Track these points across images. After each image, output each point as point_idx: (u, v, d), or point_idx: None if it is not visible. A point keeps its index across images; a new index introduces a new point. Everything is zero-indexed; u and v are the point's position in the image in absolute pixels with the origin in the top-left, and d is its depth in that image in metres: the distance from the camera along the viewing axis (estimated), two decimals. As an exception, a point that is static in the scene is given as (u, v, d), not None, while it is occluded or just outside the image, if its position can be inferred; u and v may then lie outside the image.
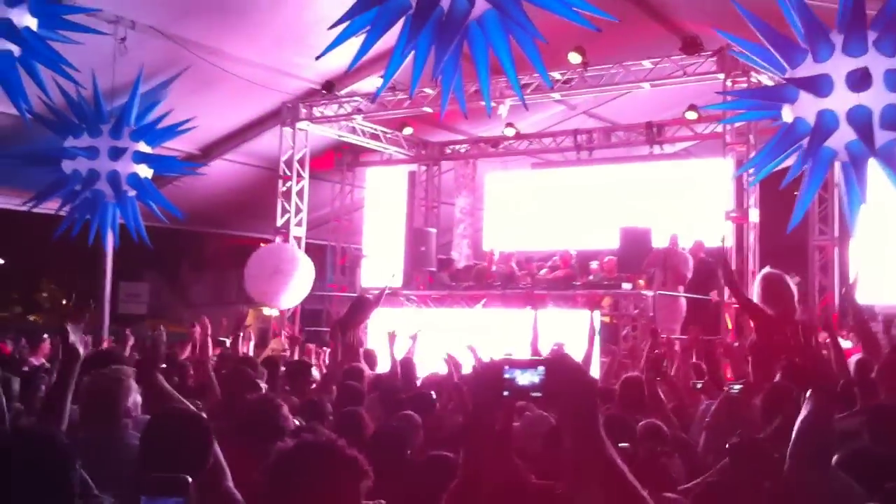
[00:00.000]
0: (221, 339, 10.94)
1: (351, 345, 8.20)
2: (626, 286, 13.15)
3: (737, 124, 12.65)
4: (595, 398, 1.98)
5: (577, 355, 7.57)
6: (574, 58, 12.88)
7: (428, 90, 13.53)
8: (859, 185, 6.41)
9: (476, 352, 8.05)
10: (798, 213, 6.90)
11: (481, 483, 2.21)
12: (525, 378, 2.00)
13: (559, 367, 1.98)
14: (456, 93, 5.87)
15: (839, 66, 6.10)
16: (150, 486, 2.34)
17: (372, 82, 14.17)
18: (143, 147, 10.84)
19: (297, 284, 15.10)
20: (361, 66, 11.75)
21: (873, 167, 6.37)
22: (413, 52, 5.44)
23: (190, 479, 2.35)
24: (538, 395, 1.99)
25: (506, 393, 2.03)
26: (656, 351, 7.73)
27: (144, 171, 10.80)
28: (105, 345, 12.31)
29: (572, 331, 8.72)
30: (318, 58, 5.85)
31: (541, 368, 1.99)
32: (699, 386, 6.38)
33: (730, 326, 10.70)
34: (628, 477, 1.90)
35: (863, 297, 13.75)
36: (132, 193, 10.66)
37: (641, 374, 6.88)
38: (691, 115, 14.95)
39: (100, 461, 3.35)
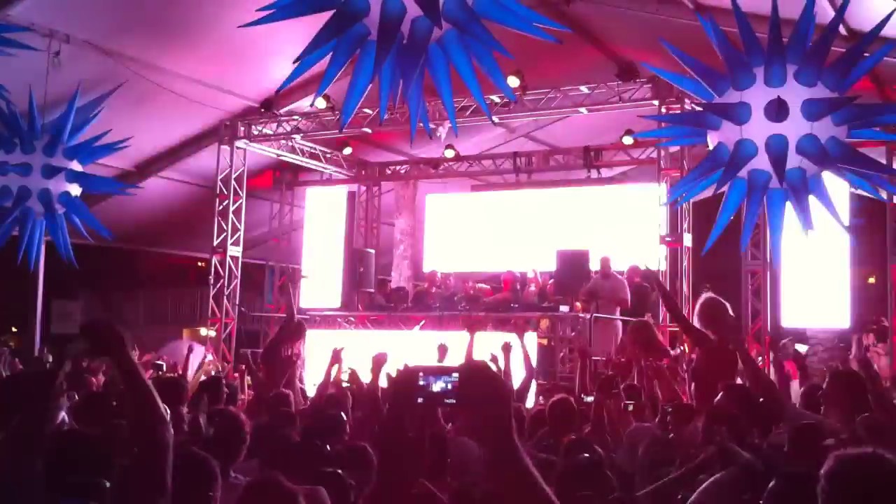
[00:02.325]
0: (157, 363, 10.80)
1: (281, 367, 8.06)
2: (564, 308, 13.24)
3: (671, 150, 12.89)
4: (509, 405, 1.98)
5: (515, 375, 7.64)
6: (513, 81, 12.99)
7: (367, 110, 13.53)
8: (779, 214, 6.57)
9: (445, 352, 8.07)
10: (712, 237, 7.04)
11: (395, 490, 2.20)
12: (439, 385, 2.02)
13: (473, 374, 1.98)
14: (422, 115, 5.86)
15: (758, 95, 6.28)
16: (66, 488, 2.31)
17: (310, 101, 14.11)
18: (76, 165, 10.65)
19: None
20: (299, 84, 11.72)
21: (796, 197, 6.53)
22: (352, 77, 5.45)
23: (108, 484, 2.32)
24: (452, 401, 2.00)
25: (420, 399, 2.04)
26: (609, 372, 7.82)
27: (75, 190, 10.62)
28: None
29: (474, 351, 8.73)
30: (277, 91, 5.86)
31: (455, 375, 2.00)
32: (630, 408, 6.43)
33: (683, 350, 10.80)
34: (541, 483, 1.92)
35: (794, 321, 14.15)
36: (62, 211, 10.47)
37: (581, 395, 6.94)
38: (628, 140, 15.18)
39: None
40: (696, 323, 7.18)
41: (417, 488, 2.53)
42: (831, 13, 6.63)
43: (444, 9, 4.81)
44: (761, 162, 6.24)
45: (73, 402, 5.70)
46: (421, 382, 2.04)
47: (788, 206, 6.58)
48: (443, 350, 8.10)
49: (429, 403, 2.05)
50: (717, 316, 6.99)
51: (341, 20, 4.97)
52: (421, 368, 2.06)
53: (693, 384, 6.84)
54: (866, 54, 6.64)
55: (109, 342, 2.69)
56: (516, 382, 7.58)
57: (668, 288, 11.06)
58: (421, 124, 5.94)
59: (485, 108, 6.28)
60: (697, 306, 7.20)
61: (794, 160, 6.22)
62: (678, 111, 12.23)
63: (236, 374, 10.79)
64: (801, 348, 13.62)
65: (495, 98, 13.40)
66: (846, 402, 4.85)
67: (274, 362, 8.31)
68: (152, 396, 2.70)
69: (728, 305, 7.27)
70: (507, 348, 7.53)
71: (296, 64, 5.33)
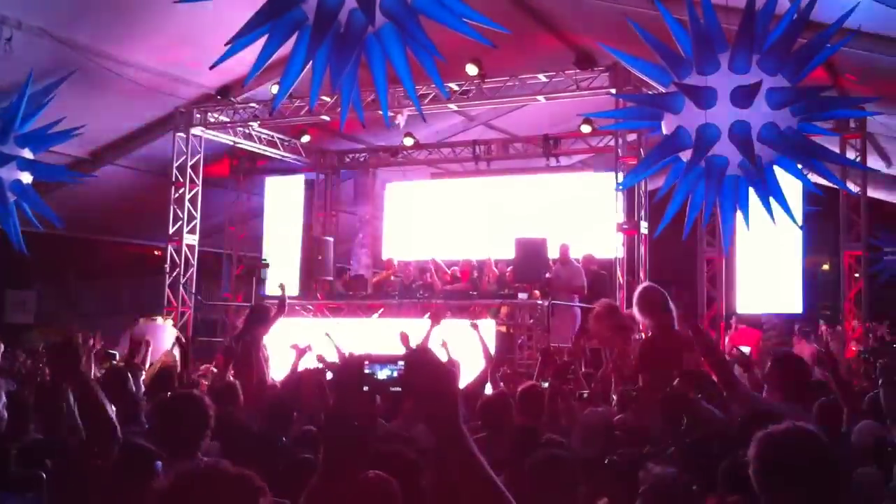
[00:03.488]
0: (110, 352, 10.63)
1: (250, 358, 8.00)
2: (522, 296, 13.31)
3: (629, 138, 12.97)
4: (455, 392, 1.99)
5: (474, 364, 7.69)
6: (471, 69, 13.01)
7: (326, 98, 13.46)
8: (731, 201, 6.63)
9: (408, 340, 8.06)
10: (663, 223, 7.11)
11: (340, 479, 2.21)
12: (384, 373, 2.03)
13: (418, 362, 2.00)
14: (355, 103, 5.85)
15: (723, 81, 6.28)
16: (8, 482, 2.30)
17: (267, 88, 14.01)
18: (28, 153, 10.49)
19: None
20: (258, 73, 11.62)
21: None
22: (311, 64, 5.41)
23: (44, 476, 2.32)
24: (397, 389, 2.02)
25: (365, 388, 2.05)
26: (564, 359, 7.87)
27: (27, 178, 10.46)
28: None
29: (468, 341, 8.76)
30: (211, 67, 5.76)
31: (400, 363, 2.01)
32: (585, 396, 6.49)
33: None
34: (486, 468, 1.94)
35: (750, 307, 14.35)
36: (13, 200, 10.31)
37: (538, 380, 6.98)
38: (586, 129, 15.27)
39: None
40: (635, 310, 7.19)
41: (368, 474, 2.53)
42: (788, 4, 6.66)
43: (382, 3, 4.80)
44: (722, 147, 6.27)
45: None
46: (367, 371, 2.05)
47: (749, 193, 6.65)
48: (405, 338, 8.10)
49: (374, 391, 2.06)
50: (654, 304, 7.02)
51: (278, 4, 4.95)
52: (366, 357, 2.07)
53: (640, 372, 6.91)
54: (803, 40, 6.69)
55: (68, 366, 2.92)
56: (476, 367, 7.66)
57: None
58: (380, 112, 5.94)
59: (416, 103, 6.26)
60: (636, 295, 7.23)
61: (733, 149, 6.27)
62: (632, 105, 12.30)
63: (210, 367, 10.59)
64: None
65: (454, 85, 13.41)
66: (787, 385, 4.96)
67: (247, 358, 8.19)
68: (106, 412, 2.84)
69: (665, 294, 7.27)
70: (484, 346, 7.64)
71: (228, 45, 5.27)
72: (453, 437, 1.94)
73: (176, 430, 3.69)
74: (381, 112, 6.01)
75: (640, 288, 7.42)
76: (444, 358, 6.82)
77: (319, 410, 5.55)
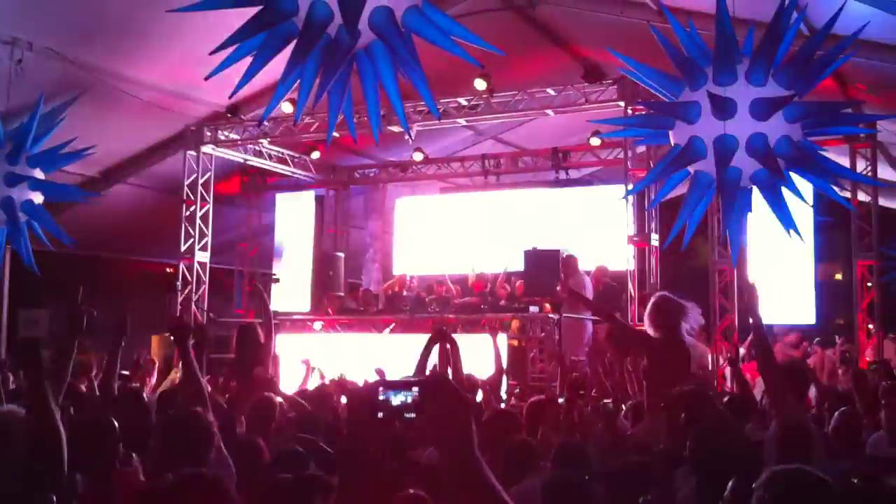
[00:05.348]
0: (123, 372, 10.64)
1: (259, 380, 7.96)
2: (533, 309, 13.27)
3: (639, 151, 12.96)
4: (470, 419, 1.96)
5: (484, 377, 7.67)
6: (480, 84, 13.05)
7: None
8: (734, 212, 6.59)
9: (384, 375, 8.01)
10: (672, 232, 7.06)
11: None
12: (398, 399, 2.01)
13: (433, 388, 1.98)
14: (347, 119, 5.83)
15: (742, 92, 6.24)
16: None
17: (279, 105, 14.04)
18: (39, 173, 10.53)
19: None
20: (267, 88, 11.68)
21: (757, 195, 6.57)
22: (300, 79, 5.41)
23: None
24: (412, 415, 1.99)
25: (380, 414, 2.03)
26: (574, 374, 7.85)
27: (38, 198, 10.50)
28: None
29: (480, 355, 8.75)
30: (206, 78, 5.74)
31: (415, 389, 1.99)
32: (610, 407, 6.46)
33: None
34: (503, 497, 1.91)
35: (763, 318, 14.24)
36: (24, 220, 10.34)
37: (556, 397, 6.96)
38: (595, 142, 15.27)
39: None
40: (646, 322, 7.16)
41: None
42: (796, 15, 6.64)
43: (371, 20, 4.79)
44: (737, 159, 6.24)
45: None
46: (381, 397, 2.02)
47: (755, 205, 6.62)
48: (381, 374, 7.97)
49: (388, 418, 2.03)
50: (667, 314, 6.99)
51: (265, 18, 4.95)
52: (381, 383, 2.05)
53: (645, 384, 6.88)
54: (820, 53, 6.66)
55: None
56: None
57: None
58: (390, 129, 5.95)
59: (403, 122, 6.21)
60: (649, 305, 7.20)
61: (750, 162, 6.23)
62: (644, 112, 12.30)
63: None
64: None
65: (462, 100, 13.45)
66: (792, 392, 4.95)
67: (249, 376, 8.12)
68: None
69: (680, 304, 7.23)
70: (497, 355, 7.63)
71: (212, 54, 5.25)
72: (469, 464, 1.90)
73: (182, 448, 3.68)
74: (388, 128, 6.02)
75: (653, 298, 7.39)
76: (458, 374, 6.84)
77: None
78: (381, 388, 2.03)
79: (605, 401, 6.19)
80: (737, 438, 4.35)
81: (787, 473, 2.77)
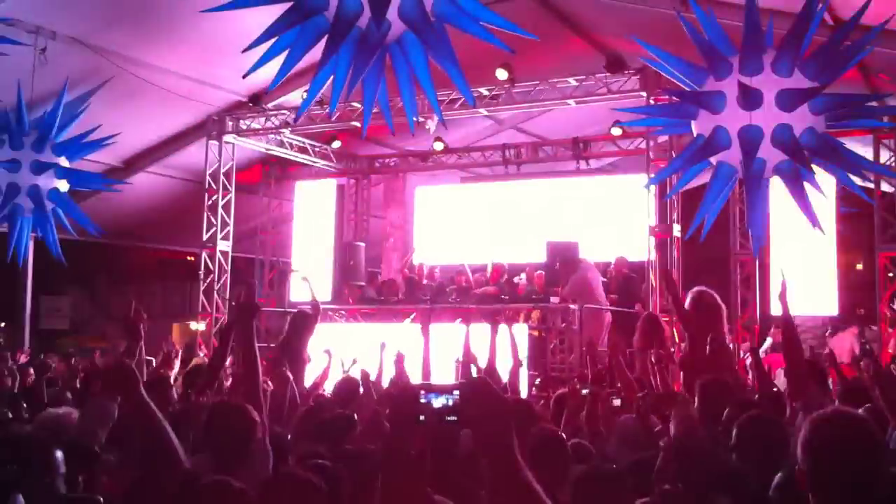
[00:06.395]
0: (147, 358, 10.71)
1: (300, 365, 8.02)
2: (554, 300, 13.27)
3: (660, 140, 12.91)
4: (510, 422, 1.97)
5: (504, 368, 7.66)
6: (501, 74, 13.03)
7: (356, 104, 13.50)
8: (756, 202, 6.57)
9: (403, 361, 8.04)
10: (694, 223, 7.03)
11: None
12: (440, 402, 2.01)
13: (474, 391, 1.98)
14: (383, 109, 5.86)
15: (734, 84, 6.20)
16: None
17: (299, 95, 14.10)
18: (64, 162, 10.63)
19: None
20: (288, 79, 11.68)
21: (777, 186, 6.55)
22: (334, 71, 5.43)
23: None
24: (453, 418, 2.00)
25: (422, 418, 2.03)
26: (599, 366, 7.83)
27: (64, 186, 10.60)
28: (23, 358, 12.05)
29: (499, 345, 8.74)
30: (244, 76, 5.79)
31: (456, 392, 2.00)
32: (618, 403, 6.43)
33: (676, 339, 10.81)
34: (544, 499, 1.92)
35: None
36: (51, 208, 10.44)
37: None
38: (616, 132, 15.22)
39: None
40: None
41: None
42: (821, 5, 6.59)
43: (400, 10, 4.80)
44: (734, 151, 6.22)
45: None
46: (422, 400, 2.03)
47: (775, 195, 6.60)
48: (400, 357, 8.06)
49: (430, 421, 2.04)
50: (705, 312, 6.95)
51: (296, 12, 4.97)
52: (422, 386, 2.06)
53: (682, 375, 6.85)
54: (847, 43, 6.61)
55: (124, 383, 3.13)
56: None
57: (674, 279, 10.81)
58: (406, 120, 5.93)
59: (438, 112, 6.24)
60: (688, 300, 7.16)
61: (774, 152, 6.21)
62: (667, 101, 12.25)
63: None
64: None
65: (483, 90, 13.42)
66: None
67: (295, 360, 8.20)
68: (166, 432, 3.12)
69: (719, 301, 7.19)
70: (514, 345, 7.65)
71: (244, 52, 5.29)
72: (510, 466, 1.92)
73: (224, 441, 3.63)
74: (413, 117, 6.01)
75: (692, 292, 7.32)
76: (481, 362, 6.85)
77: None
78: (422, 392, 2.04)
79: (611, 395, 6.17)
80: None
81: (833, 413, 2.60)
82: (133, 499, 3.20)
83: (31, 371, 8.97)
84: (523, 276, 15.13)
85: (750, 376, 9.94)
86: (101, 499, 3.13)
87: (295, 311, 10.55)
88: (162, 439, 3.08)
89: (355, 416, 5.50)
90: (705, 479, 3.51)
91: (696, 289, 7.31)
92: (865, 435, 2.40)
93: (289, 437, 4.92)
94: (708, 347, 5.98)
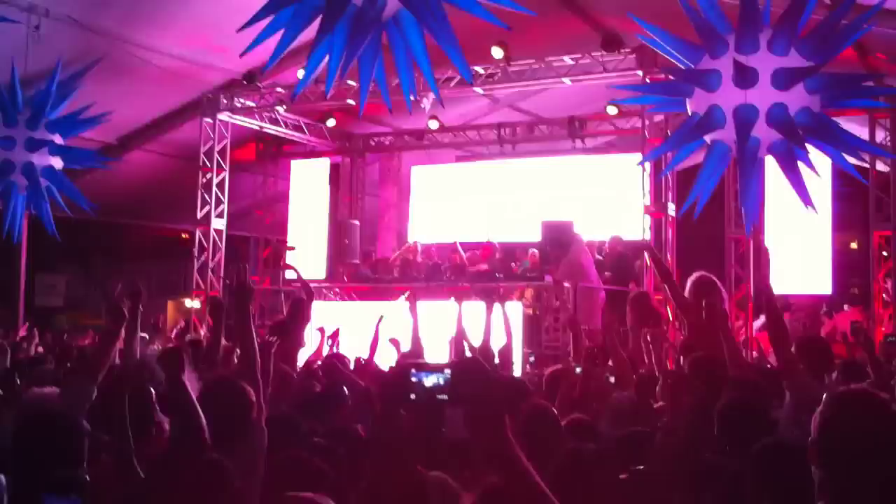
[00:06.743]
0: (142, 335, 10.72)
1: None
2: (549, 278, 13.29)
3: (656, 119, 12.90)
4: (502, 401, 1.98)
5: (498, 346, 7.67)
6: (497, 52, 12.98)
7: (351, 82, 13.44)
8: (749, 181, 6.55)
9: (399, 345, 8.06)
10: (688, 202, 7.02)
11: (386, 487, 2.21)
12: (431, 380, 2.01)
13: (464, 370, 1.99)
14: (379, 87, 5.84)
15: (729, 62, 6.17)
16: (51, 484, 2.31)
17: (294, 73, 14.03)
18: (58, 139, 10.59)
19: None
20: (283, 57, 11.64)
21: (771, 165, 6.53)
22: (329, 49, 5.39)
23: (88, 478, 2.34)
24: (444, 397, 2.00)
25: (413, 396, 2.04)
26: (588, 344, 7.84)
27: (58, 163, 10.57)
28: (21, 332, 12.05)
29: (493, 323, 8.75)
30: (241, 54, 5.75)
31: (447, 371, 1.99)
32: (612, 380, 6.46)
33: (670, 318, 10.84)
34: (534, 477, 1.94)
35: (777, 288, 14.22)
36: (45, 185, 10.42)
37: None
38: (612, 110, 15.19)
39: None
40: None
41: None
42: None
43: None
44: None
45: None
46: (413, 378, 2.03)
47: (770, 174, 6.60)
48: (395, 343, 8.07)
49: (421, 400, 2.04)
50: (705, 294, 6.93)
51: None
52: (413, 364, 2.06)
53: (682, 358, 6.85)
54: (845, 22, 6.58)
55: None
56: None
57: (661, 259, 10.87)
58: (375, 91, 5.88)
59: (435, 91, 6.19)
60: (688, 284, 7.15)
61: (769, 131, 6.19)
62: (662, 79, 12.22)
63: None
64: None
65: (479, 69, 13.37)
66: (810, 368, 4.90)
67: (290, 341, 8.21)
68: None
69: (718, 284, 7.18)
70: (507, 323, 7.62)
71: (240, 31, 5.25)
72: (501, 445, 1.93)
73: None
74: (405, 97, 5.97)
75: (692, 277, 7.30)
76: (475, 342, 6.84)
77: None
78: (413, 370, 2.04)
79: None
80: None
81: (854, 391, 2.57)
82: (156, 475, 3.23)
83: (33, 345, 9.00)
84: (526, 262, 15.04)
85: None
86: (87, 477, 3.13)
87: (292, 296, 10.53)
88: (192, 417, 3.13)
89: (345, 391, 5.53)
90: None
91: (695, 274, 7.30)
92: (885, 413, 2.40)
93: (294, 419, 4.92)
94: (704, 313, 5.95)
